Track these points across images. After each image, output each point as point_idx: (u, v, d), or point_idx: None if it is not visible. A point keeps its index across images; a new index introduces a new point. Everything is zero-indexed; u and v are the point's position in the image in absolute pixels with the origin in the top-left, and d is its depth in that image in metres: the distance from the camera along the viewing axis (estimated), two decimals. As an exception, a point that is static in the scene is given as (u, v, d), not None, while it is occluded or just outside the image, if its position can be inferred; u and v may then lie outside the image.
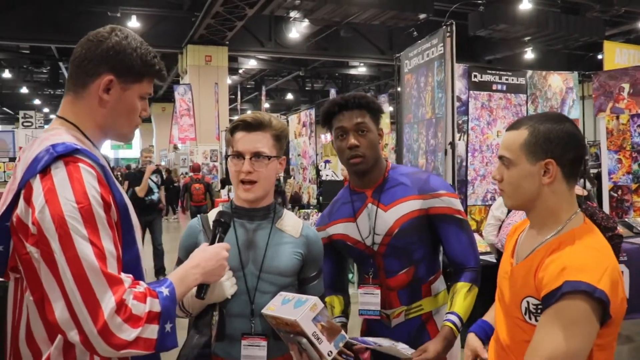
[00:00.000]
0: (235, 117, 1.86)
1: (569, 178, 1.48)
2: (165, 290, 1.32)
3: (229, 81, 18.89)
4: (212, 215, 1.85)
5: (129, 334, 1.21)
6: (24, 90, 24.92)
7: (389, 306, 2.09)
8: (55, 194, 1.21)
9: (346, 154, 2.02)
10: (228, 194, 10.42)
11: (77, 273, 1.19)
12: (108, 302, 1.19)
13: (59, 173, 1.24)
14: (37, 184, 1.24)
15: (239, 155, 1.77)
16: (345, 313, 2.21)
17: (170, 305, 1.31)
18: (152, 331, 1.25)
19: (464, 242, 2.02)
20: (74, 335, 1.19)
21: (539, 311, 1.41)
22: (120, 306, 1.21)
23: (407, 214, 2.01)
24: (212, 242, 1.63)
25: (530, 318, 1.44)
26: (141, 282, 1.32)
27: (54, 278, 1.20)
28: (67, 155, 1.26)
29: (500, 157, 1.56)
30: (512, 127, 1.56)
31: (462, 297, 1.96)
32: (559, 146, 1.45)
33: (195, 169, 12.11)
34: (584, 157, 1.55)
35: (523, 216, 1.68)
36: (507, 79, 5.77)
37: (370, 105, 2.04)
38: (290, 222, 1.88)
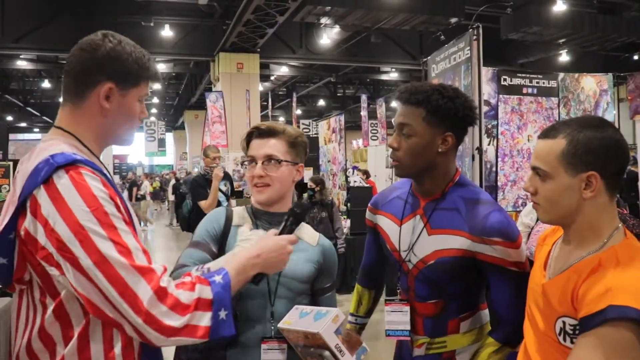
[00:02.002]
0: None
1: (612, 190, 1.35)
2: (218, 278, 1.33)
3: (260, 88, 19.03)
4: (237, 210, 1.89)
5: (175, 320, 1.22)
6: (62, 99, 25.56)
7: (414, 331, 1.88)
8: (65, 202, 1.22)
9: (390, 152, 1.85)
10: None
11: (107, 272, 1.20)
12: (145, 292, 1.21)
13: (62, 181, 1.24)
14: (42, 196, 1.24)
15: (252, 160, 1.82)
16: (370, 311, 2.14)
17: (224, 293, 1.30)
18: (203, 318, 1.26)
19: (510, 297, 1.71)
20: (127, 328, 1.22)
21: (575, 333, 1.30)
22: (160, 293, 1.22)
23: (449, 250, 1.73)
24: (281, 232, 1.61)
25: (565, 339, 1.34)
26: (192, 272, 1.34)
27: (88, 281, 1.21)
28: (67, 165, 1.26)
29: (534, 168, 1.42)
30: (546, 134, 1.42)
31: (486, 355, 1.73)
32: (602, 157, 1.32)
33: None
34: (626, 167, 1.40)
35: None
36: (537, 82, 5.65)
37: (424, 103, 1.71)
38: (307, 231, 1.91)
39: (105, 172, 1.35)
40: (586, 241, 1.37)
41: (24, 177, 1.29)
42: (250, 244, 1.60)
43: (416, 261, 1.81)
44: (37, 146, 1.38)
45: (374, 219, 2.03)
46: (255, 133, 1.85)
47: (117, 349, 1.30)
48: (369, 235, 2.12)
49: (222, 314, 1.29)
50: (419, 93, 1.73)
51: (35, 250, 1.24)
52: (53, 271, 1.24)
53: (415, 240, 1.81)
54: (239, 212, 1.88)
